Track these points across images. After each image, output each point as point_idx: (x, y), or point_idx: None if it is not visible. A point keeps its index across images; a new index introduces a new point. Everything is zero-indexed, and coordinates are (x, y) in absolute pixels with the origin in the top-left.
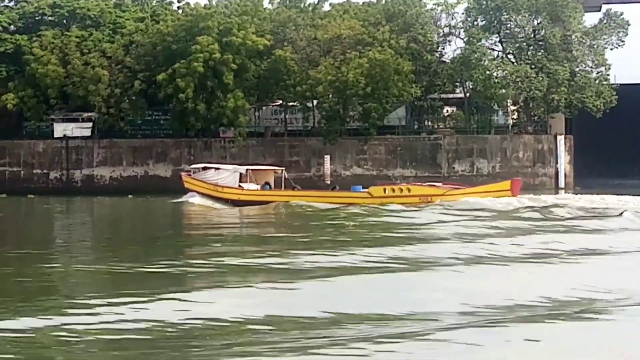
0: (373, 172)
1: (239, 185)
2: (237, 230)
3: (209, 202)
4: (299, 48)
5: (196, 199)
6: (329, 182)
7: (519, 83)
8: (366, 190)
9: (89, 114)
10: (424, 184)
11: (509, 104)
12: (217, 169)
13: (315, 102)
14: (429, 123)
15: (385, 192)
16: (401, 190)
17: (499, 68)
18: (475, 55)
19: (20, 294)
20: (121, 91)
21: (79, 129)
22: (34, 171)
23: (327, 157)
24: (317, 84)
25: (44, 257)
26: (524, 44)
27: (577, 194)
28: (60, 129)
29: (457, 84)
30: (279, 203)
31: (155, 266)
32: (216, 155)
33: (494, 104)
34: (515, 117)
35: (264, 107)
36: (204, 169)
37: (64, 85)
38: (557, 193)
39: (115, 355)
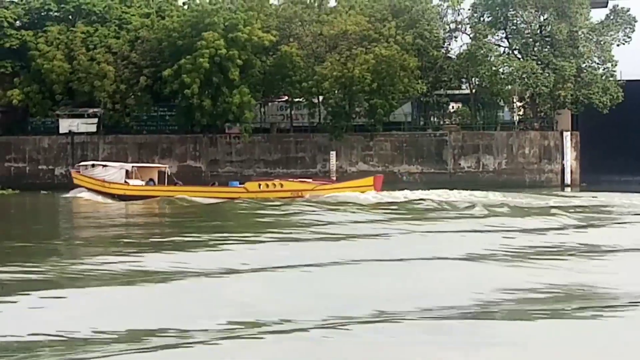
0: (379, 168)
1: (125, 181)
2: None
3: (97, 197)
4: (305, 44)
5: (84, 194)
6: (334, 179)
7: (525, 79)
8: (243, 185)
9: (95, 109)
10: (295, 180)
11: (515, 100)
12: (105, 166)
13: (321, 98)
14: (435, 119)
15: (260, 187)
16: (274, 185)
17: (505, 64)
18: (482, 52)
19: None
20: (127, 87)
21: (85, 125)
22: (40, 167)
23: (333, 153)
24: (323, 80)
25: None
26: (530, 40)
27: (582, 190)
28: (65, 125)
29: (463, 80)
30: (162, 198)
31: None
32: (222, 151)
33: (500, 100)
34: (521, 113)
35: (269, 103)
36: (93, 166)
37: (70, 81)
38: (563, 190)
39: None
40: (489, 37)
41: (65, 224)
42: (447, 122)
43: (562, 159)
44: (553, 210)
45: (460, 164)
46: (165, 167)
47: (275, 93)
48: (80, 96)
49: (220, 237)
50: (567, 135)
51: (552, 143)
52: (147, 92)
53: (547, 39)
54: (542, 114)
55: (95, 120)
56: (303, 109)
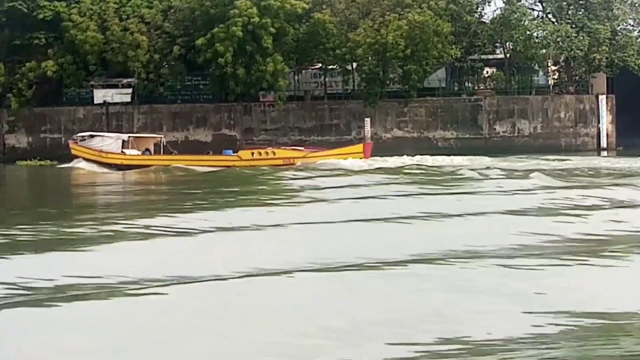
0: (414, 134)
1: (122, 151)
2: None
3: (94, 167)
4: (338, 11)
5: (82, 164)
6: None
7: (560, 43)
8: (236, 153)
9: (129, 79)
10: (287, 147)
11: (549, 64)
12: (102, 136)
13: (354, 65)
14: (469, 84)
15: (252, 155)
16: (267, 153)
17: (539, 28)
18: (515, 16)
19: None
20: (160, 56)
21: (119, 95)
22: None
23: (368, 120)
24: (357, 46)
25: None
26: (564, 3)
27: (619, 155)
28: (100, 95)
29: (497, 44)
30: (158, 167)
31: None
32: (256, 120)
33: (535, 65)
34: (556, 77)
35: (303, 71)
36: (91, 136)
37: (103, 51)
38: (599, 154)
39: None
40: (523, 0)
41: (86, 193)
42: (481, 87)
43: (598, 122)
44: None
45: (495, 129)
46: (161, 137)
47: (309, 60)
48: (114, 66)
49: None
50: (602, 98)
51: (587, 107)
52: (181, 62)
53: (581, 2)
54: (577, 77)
55: (130, 90)
56: (337, 76)
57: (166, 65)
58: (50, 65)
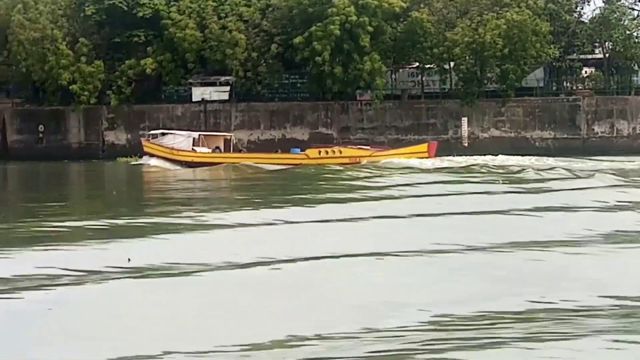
0: (511, 134)
1: (192, 149)
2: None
3: (166, 164)
4: (436, 10)
5: (153, 161)
6: (466, 145)
7: None
8: (304, 152)
9: (227, 77)
10: (353, 147)
11: None
12: (174, 134)
13: (452, 64)
14: (568, 84)
15: (320, 153)
16: (334, 152)
17: (639, 28)
18: (615, 15)
19: None
20: (258, 55)
21: (217, 93)
22: None
23: (465, 120)
24: (454, 45)
25: None
26: None
27: None
28: (198, 93)
29: (596, 44)
30: (228, 164)
31: None
32: (353, 118)
33: (634, 64)
34: None
35: (400, 70)
36: (162, 134)
37: (202, 49)
38: None
39: None
40: (623, 0)
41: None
42: (580, 87)
43: None
44: None
45: (593, 130)
46: (231, 136)
47: (406, 59)
48: (212, 64)
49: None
50: None
51: None
52: (278, 60)
53: None
54: None
55: (227, 88)
56: (434, 75)
57: (264, 64)
58: (149, 62)
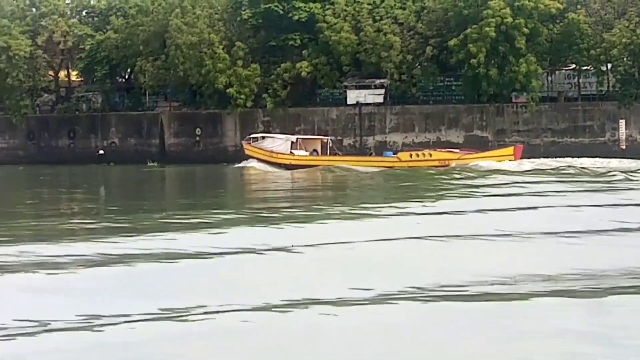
0: None
1: (291, 152)
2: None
3: (266, 167)
4: (593, 11)
5: (254, 164)
6: (624, 148)
7: None
8: (396, 155)
9: (381, 80)
10: (442, 150)
11: None
12: (273, 137)
13: (609, 65)
14: None
15: (411, 157)
16: (424, 155)
17: None
18: None
19: None
20: (413, 57)
21: (372, 96)
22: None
23: (622, 122)
24: (612, 47)
25: None
26: None
27: None
28: (353, 96)
29: None
30: (324, 167)
31: None
32: (508, 121)
33: None
34: None
35: (556, 72)
36: (262, 138)
37: (357, 52)
38: None
39: None
40: None
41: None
42: None
43: None
44: None
45: None
46: (327, 139)
47: (562, 61)
48: (367, 67)
49: None
50: None
51: None
52: (433, 62)
53: None
54: None
55: (382, 91)
56: (591, 77)
57: (418, 66)
58: (304, 66)
